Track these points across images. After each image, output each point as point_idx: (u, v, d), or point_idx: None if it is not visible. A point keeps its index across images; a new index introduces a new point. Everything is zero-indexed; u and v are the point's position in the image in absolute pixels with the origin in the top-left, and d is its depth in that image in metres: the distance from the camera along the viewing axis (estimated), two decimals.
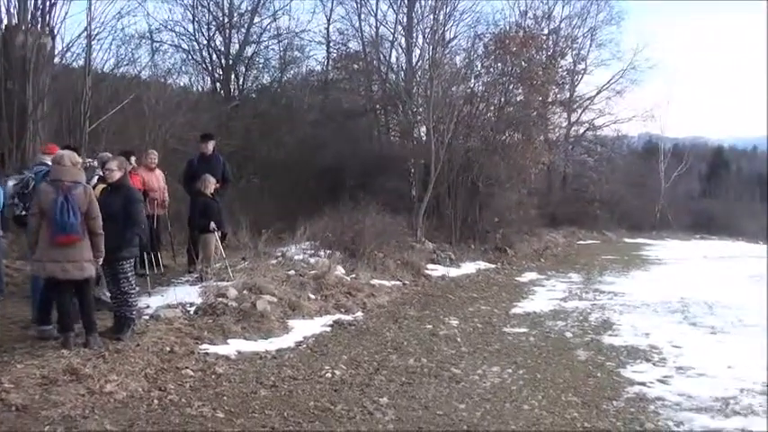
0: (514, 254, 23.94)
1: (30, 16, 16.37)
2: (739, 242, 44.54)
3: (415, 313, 13.53)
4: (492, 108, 25.62)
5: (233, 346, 9.84)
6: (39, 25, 16.51)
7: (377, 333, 11.60)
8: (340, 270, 15.12)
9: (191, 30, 28.69)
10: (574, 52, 41.11)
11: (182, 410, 7.33)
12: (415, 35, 27.92)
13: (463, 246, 22.66)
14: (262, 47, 30.82)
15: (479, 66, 25.75)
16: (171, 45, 28.02)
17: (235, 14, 29.23)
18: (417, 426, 7.33)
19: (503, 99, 25.71)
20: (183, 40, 28.57)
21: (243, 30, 29.57)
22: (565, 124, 41.39)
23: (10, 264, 12.45)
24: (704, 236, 46.32)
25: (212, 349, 9.53)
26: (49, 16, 16.72)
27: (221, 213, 13.98)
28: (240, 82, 30.33)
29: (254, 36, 30.11)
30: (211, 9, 28.81)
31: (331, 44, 32.87)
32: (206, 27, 29.07)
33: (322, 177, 25.56)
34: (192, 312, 10.92)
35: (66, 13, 17.23)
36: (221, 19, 28.99)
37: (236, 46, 29.57)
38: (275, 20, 30.55)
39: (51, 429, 6.58)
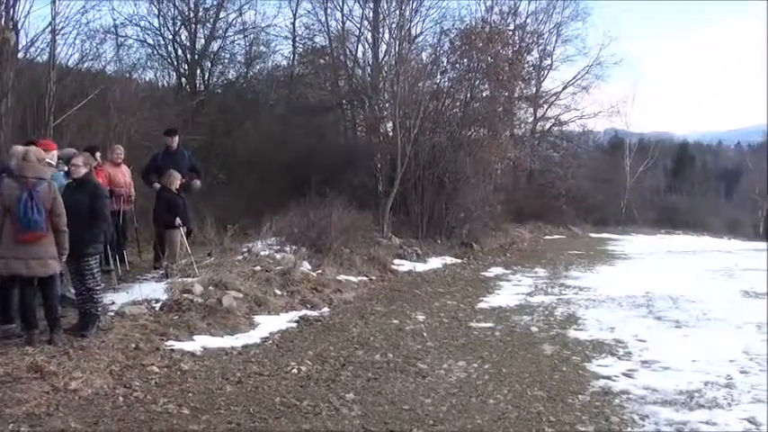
0: (480, 249, 24.04)
1: None
2: (704, 237, 44.99)
3: (382, 308, 13.53)
4: (458, 104, 25.68)
5: (198, 343, 9.81)
6: (2, 20, 16.31)
7: (343, 329, 11.59)
8: (306, 266, 15.12)
9: (156, 24, 28.43)
10: (540, 48, 41.39)
11: (147, 407, 7.30)
12: (381, 30, 27.95)
13: (430, 241, 22.73)
14: (227, 42, 30.63)
15: (445, 61, 25.81)
16: (136, 40, 27.79)
17: (200, 9, 29.01)
18: (383, 421, 7.34)
19: (469, 95, 25.77)
20: (148, 34, 28.33)
21: (208, 24, 29.35)
22: (531, 120, 41.66)
23: None
24: (669, 231, 46.82)
25: (178, 345, 9.48)
26: (13, 11, 16.51)
27: (187, 209, 13.92)
28: (206, 77, 30.12)
29: (220, 31, 29.91)
30: (177, 4, 28.54)
31: (297, 39, 32.86)
32: (171, 22, 28.80)
33: (288, 173, 25.46)
34: (157, 309, 10.86)
35: (31, 8, 17.05)
36: (187, 14, 28.77)
37: (202, 41, 29.40)
38: (241, 14, 30.41)
39: (15, 427, 6.53)
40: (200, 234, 16.14)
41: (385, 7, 26.75)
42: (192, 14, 28.83)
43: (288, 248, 16.09)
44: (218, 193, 22.45)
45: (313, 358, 9.59)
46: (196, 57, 29.14)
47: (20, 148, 9.49)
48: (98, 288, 9.53)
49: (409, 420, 7.39)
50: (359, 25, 29.80)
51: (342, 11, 29.80)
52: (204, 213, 16.81)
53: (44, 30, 17.63)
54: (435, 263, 20.47)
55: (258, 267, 14.07)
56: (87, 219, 9.15)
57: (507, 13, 37.12)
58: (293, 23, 32.32)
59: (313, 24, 31.61)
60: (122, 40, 26.22)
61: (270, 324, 11.35)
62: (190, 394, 7.79)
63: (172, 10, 28.62)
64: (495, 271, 20.14)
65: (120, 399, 7.46)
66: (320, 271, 15.25)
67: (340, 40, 29.95)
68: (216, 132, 26.02)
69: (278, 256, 15.38)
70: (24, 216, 8.23)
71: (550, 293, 16.41)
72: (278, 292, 13.14)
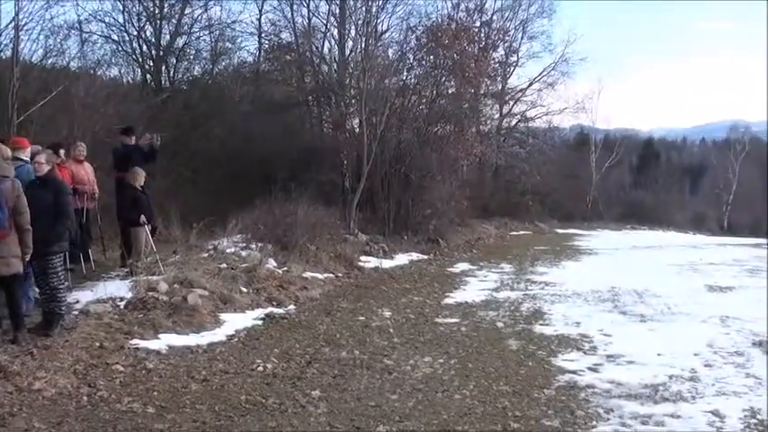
0: (447, 245, 24.15)
1: None
2: (669, 232, 45.43)
3: (348, 305, 13.53)
4: (424, 100, 25.79)
5: (164, 341, 9.76)
6: None
7: (309, 326, 11.59)
8: (272, 263, 15.11)
9: (121, 20, 28.18)
10: (506, 45, 41.59)
11: (111, 407, 7.27)
12: (347, 27, 27.90)
13: (396, 237, 22.76)
14: (193, 38, 30.47)
15: (412, 58, 25.92)
16: (101, 36, 27.50)
17: (165, 5, 28.78)
18: (349, 417, 7.33)
19: (435, 91, 25.89)
20: (112, 30, 28.08)
21: (174, 20, 29.17)
22: (497, 116, 41.89)
23: None
24: (635, 226, 47.28)
25: (143, 344, 9.44)
26: None
27: (151, 206, 13.86)
28: (171, 73, 29.94)
29: (185, 27, 29.74)
30: (142, 0, 28.45)
31: (263, 35, 32.79)
32: (136, 18, 28.58)
33: (254, 169, 25.39)
34: (122, 307, 10.81)
35: None
36: (152, 10, 28.56)
37: (167, 37, 29.18)
38: (206, 10, 30.23)
39: None
40: (165, 231, 16.09)
41: (351, 4, 26.71)
42: (157, 10, 28.62)
43: (254, 246, 16.06)
44: (184, 191, 22.35)
45: (279, 356, 9.58)
46: (161, 53, 28.96)
47: None
48: (62, 287, 9.47)
49: (375, 417, 7.39)
50: (325, 21, 29.74)
51: (308, 7, 29.73)
52: (170, 211, 16.75)
53: (7, 25, 17.55)
54: (402, 259, 20.53)
55: (224, 265, 14.03)
56: (51, 217, 9.09)
57: (473, 11, 37.28)
58: (259, 19, 32.29)
59: (279, 20, 31.58)
60: (87, 36, 25.96)
61: (235, 322, 11.32)
62: (155, 393, 7.76)
63: (137, 6, 28.43)
64: (461, 267, 20.18)
65: (85, 398, 7.42)
66: (286, 268, 15.23)
67: (306, 36, 29.87)
68: (181, 129, 25.83)
69: (244, 253, 15.35)
70: None
71: (516, 289, 16.46)
72: (244, 289, 13.10)
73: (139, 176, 13.54)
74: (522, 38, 42.76)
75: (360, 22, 25.61)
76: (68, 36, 22.93)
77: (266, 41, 32.96)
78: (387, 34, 28.50)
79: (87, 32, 26.11)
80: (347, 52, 28.51)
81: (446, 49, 25.26)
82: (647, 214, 52.66)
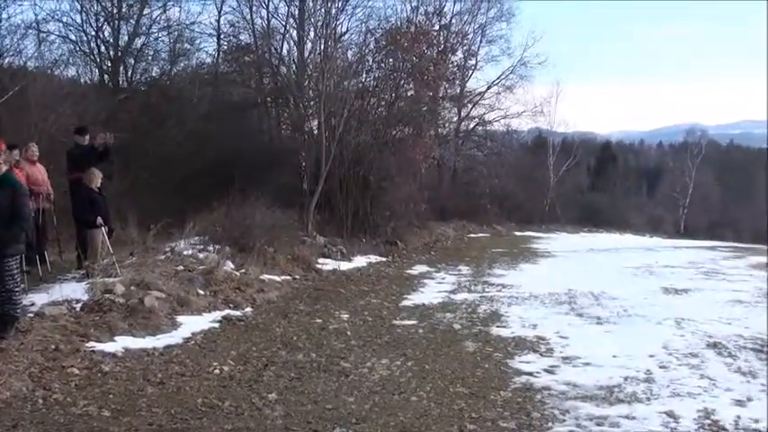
0: (405, 247, 24.23)
1: None
2: (626, 234, 45.82)
3: (306, 308, 13.54)
4: (383, 103, 25.89)
5: (120, 344, 9.71)
6: None
7: (266, 328, 11.59)
8: (229, 265, 15.08)
9: (78, 20, 28.09)
10: (464, 48, 41.71)
11: (67, 410, 7.23)
12: (306, 28, 27.88)
13: (354, 240, 22.79)
14: (151, 38, 30.36)
15: (371, 60, 26.02)
16: (58, 36, 27.45)
17: (124, 5, 28.64)
18: (306, 420, 7.34)
19: (394, 94, 25.99)
20: (70, 30, 27.99)
21: (132, 21, 29.04)
22: (455, 119, 42.00)
23: None
24: (592, 229, 47.62)
25: (99, 347, 9.39)
26: None
27: (108, 208, 13.78)
28: (129, 74, 29.84)
29: (144, 27, 29.63)
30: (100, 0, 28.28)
31: (222, 36, 32.65)
32: (94, 18, 28.49)
33: (212, 171, 25.25)
34: (78, 309, 10.73)
35: None
36: (110, 10, 28.44)
37: (125, 37, 29.09)
38: (165, 11, 30.14)
39: None
40: (122, 233, 15.98)
41: (310, 5, 26.74)
42: (115, 10, 28.51)
43: (211, 248, 16.02)
44: (141, 192, 22.23)
45: (235, 358, 9.57)
46: (119, 53, 28.84)
47: None
48: (17, 289, 9.38)
49: (332, 419, 7.41)
50: (284, 23, 29.66)
51: (267, 8, 29.64)
52: (126, 212, 16.65)
53: None
54: (360, 261, 20.58)
55: (181, 267, 13.99)
56: (7, 218, 9.02)
57: (432, 14, 37.46)
58: (218, 21, 32.17)
59: (238, 22, 31.47)
60: (44, 35, 25.90)
61: (192, 324, 11.28)
62: (110, 396, 7.73)
63: (95, 6, 28.34)
64: (419, 269, 20.27)
65: (40, 401, 7.38)
66: (243, 270, 15.21)
67: (265, 37, 29.82)
68: (139, 130, 25.69)
69: (201, 255, 15.32)
70: None
71: (474, 291, 16.56)
72: (201, 291, 13.07)
73: (96, 177, 13.45)
74: (480, 41, 42.92)
75: (319, 23, 25.67)
76: (25, 35, 22.84)
77: (225, 43, 32.91)
78: (346, 36, 28.62)
79: (45, 32, 26.09)
80: (306, 54, 28.54)
81: (405, 51, 25.40)
82: (605, 217, 53.14)
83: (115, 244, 14.35)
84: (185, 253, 15.31)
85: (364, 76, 25.69)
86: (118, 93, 27.57)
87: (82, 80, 28.60)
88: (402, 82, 26.38)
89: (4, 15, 19.06)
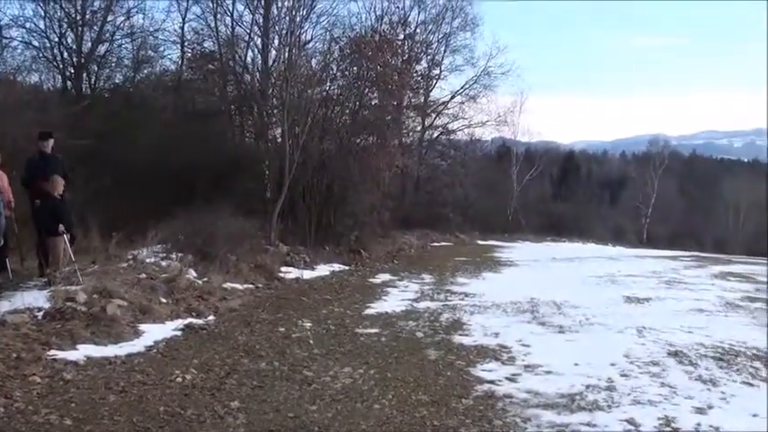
0: (369, 256, 24.24)
1: None
2: (589, 244, 46.17)
3: (268, 316, 13.52)
4: (347, 111, 25.94)
5: (82, 352, 9.65)
6: None
7: (229, 337, 11.56)
8: (192, 273, 15.04)
9: (42, 26, 27.93)
10: (429, 57, 42.03)
11: (28, 418, 7.20)
12: (271, 36, 27.85)
13: (318, 248, 22.77)
14: (115, 45, 30.21)
15: (335, 69, 26.02)
16: (21, 42, 27.29)
17: (87, 12, 28.51)
18: (268, 429, 7.38)
19: (358, 102, 26.07)
20: (33, 36, 27.81)
21: (96, 27, 28.84)
22: (419, 128, 42.18)
23: None
24: (555, 238, 47.97)
25: (61, 355, 9.33)
26: None
27: (70, 215, 13.73)
28: (92, 81, 29.66)
29: (107, 34, 29.44)
30: (63, 6, 28.01)
31: (186, 44, 32.52)
32: (57, 24, 28.30)
33: (175, 179, 25.13)
34: (39, 317, 10.65)
35: None
36: (74, 16, 28.25)
37: (89, 44, 28.86)
38: (129, 18, 30.03)
39: None
40: (84, 241, 15.92)
41: (275, 13, 26.69)
42: (78, 17, 28.32)
43: (174, 256, 15.98)
44: (104, 200, 22.08)
45: (198, 367, 9.55)
46: (83, 60, 28.66)
47: None
48: None
49: (294, 428, 7.44)
50: (248, 31, 29.66)
51: (231, 16, 29.64)
52: (89, 220, 16.59)
53: None
54: (323, 270, 20.57)
55: (143, 275, 13.92)
56: None
57: (397, 23, 37.57)
58: (182, 28, 32.05)
59: (202, 29, 31.36)
60: (6, 41, 25.75)
61: (155, 332, 11.23)
62: (72, 404, 7.70)
63: (58, 12, 28.15)
64: (382, 277, 20.29)
65: (1, 410, 7.34)
66: (206, 279, 15.18)
67: (229, 45, 29.79)
68: (102, 137, 25.54)
69: (163, 263, 15.26)
70: None
71: (436, 299, 16.61)
72: (163, 299, 13.02)
73: (58, 185, 13.40)
74: (444, 51, 43.23)
75: (283, 31, 25.60)
76: None
77: (189, 50, 32.76)
78: (310, 44, 28.54)
79: (7, 38, 25.97)
80: (270, 62, 28.47)
81: (369, 60, 25.47)
82: (568, 226, 53.55)
83: (77, 252, 14.29)
84: (148, 261, 15.25)
85: (328, 84, 25.75)
86: (81, 99, 27.37)
87: (45, 86, 28.49)
88: (366, 90, 26.46)
89: None
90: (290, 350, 10.89)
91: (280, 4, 26.10)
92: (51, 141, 14.66)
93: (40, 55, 28.01)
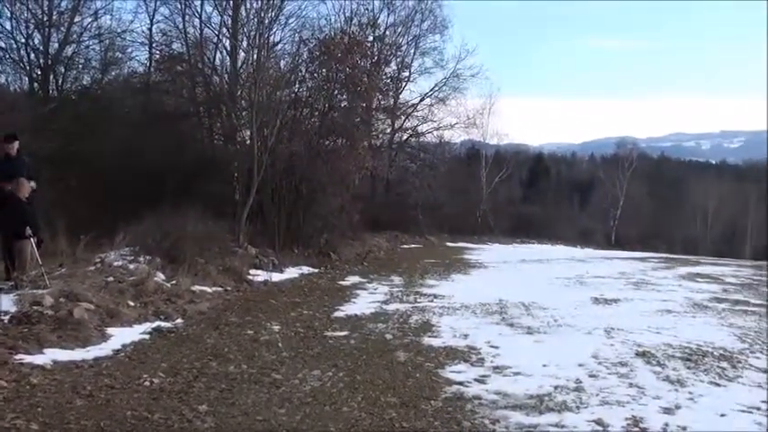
0: (338, 258, 24.27)
1: None
2: (558, 246, 46.40)
3: (237, 319, 13.47)
4: (316, 113, 25.95)
5: (49, 356, 9.57)
6: None
7: (197, 340, 11.52)
8: (160, 276, 14.99)
9: (8, 27, 27.86)
10: (398, 60, 42.18)
11: None
12: (239, 38, 27.84)
13: (287, 250, 22.76)
14: (82, 47, 30.19)
15: (304, 71, 26.04)
16: None
17: (54, 13, 28.41)
18: None
19: (327, 105, 26.07)
20: None
21: (63, 29, 28.80)
22: (388, 130, 42.25)
23: None
24: (524, 240, 48.13)
25: (27, 359, 9.26)
26: None
27: (37, 218, 13.63)
28: (59, 83, 29.58)
29: (75, 35, 29.43)
30: (30, 6, 27.97)
31: (154, 45, 32.54)
32: (24, 25, 28.24)
33: (144, 181, 25.05)
34: (5, 321, 10.58)
35: None
36: (40, 17, 28.18)
37: (56, 45, 28.84)
38: (96, 19, 30.00)
39: None
40: (51, 244, 15.80)
41: (243, 15, 26.71)
42: (45, 18, 28.23)
43: (142, 259, 15.90)
44: (71, 202, 21.98)
45: (166, 370, 9.50)
46: (50, 61, 28.56)
47: None
48: None
49: (263, 431, 7.44)
50: (217, 32, 29.69)
51: (200, 17, 29.65)
52: (56, 223, 16.47)
53: None
54: (292, 272, 20.57)
55: (111, 278, 13.85)
56: None
57: (366, 25, 37.61)
58: (150, 29, 32.05)
59: (170, 31, 31.39)
60: None
61: (122, 336, 11.16)
62: (39, 409, 7.64)
63: (25, 13, 28.04)
64: (351, 280, 20.32)
65: None
66: (174, 281, 15.13)
67: (198, 46, 29.75)
68: (70, 139, 25.46)
69: (131, 266, 15.19)
70: None
71: (406, 301, 16.65)
72: (131, 303, 12.95)
73: (25, 187, 13.30)
74: (414, 53, 43.46)
75: (252, 33, 25.61)
76: None
77: (157, 52, 32.75)
78: (279, 46, 28.58)
79: None
80: (239, 64, 28.47)
81: (339, 62, 25.48)
82: (537, 228, 53.78)
83: (44, 255, 14.16)
84: (116, 264, 15.19)
85: (297, 86, 25.75)
86: (48, 101, 27.26)
87: (11, 88, 28.44)
88: (335, 92, 26.49)
89: None
90: (258, 353, 10.87)
91: (248, 6, 26.16)
92: (17, 143, 14.47)
93: (7, 56, 28.00)
